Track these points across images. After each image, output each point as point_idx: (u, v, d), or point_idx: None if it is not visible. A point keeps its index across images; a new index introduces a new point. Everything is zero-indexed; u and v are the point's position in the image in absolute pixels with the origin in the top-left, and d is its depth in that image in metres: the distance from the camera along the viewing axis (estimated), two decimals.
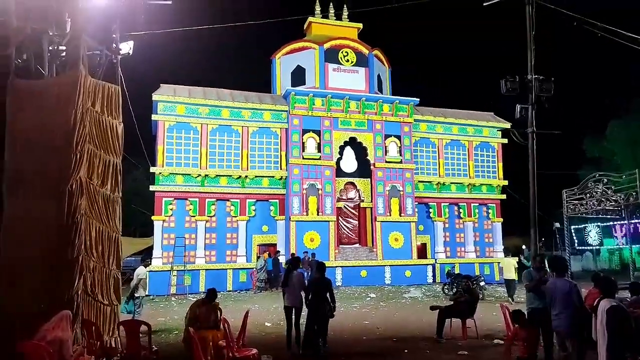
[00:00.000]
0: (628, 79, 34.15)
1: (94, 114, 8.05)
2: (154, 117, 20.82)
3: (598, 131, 31.89)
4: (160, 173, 20.53)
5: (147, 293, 11.08)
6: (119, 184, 8.36)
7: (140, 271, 11.05)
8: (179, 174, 20.82)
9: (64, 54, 8.77)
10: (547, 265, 7.70)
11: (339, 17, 26.31)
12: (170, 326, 11.86)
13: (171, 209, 20.69)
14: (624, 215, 10.92)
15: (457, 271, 20.80)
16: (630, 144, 29.17)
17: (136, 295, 11.16)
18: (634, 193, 6.65)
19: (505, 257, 17.90)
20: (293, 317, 8.83)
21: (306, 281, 9.10)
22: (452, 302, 9.76)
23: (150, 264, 11.69)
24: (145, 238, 25.93)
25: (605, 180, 7.59)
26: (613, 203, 7.45)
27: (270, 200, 22.26)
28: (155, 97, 20.66)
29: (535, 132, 9.53)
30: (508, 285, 16.69)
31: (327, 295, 8.19)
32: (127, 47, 9.02)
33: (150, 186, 20.62)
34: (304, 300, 8.58)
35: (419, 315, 13.41)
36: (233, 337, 7.47)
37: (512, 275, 16.34)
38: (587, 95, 40.73)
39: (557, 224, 27.79)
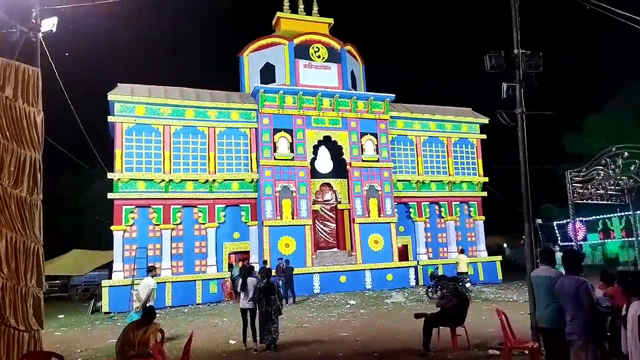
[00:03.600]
0: (606, 72, 33.80)
1: (3, 99, 6.64)
2: (110, 118, 19.26)
3: (577, 126, 31.48)
4: (119, 179, 18.94)
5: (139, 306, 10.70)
6: (39, 185, 6.94)
7: (150, 282, 10.68)
8: (140, 179, 19.27)
9: None
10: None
11: (308, 12, 25.24)
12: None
13: (132, 218, 19.12)
14: (627, 202, 9.86)
15: (440, 272, 19.78)
16: (609, 138, 28.69)
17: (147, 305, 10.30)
18: None
19: (460, 254, 19.44)
20: (248, 317, 9.85)
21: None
22: (439, 308, 8.60)
23: (157, 273, 11.32)
24: (109, 251, 24.22)
25: (626, 153, 6.48)
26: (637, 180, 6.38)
27: (240, 205, 20.86)
28: (111, 97, 19.10)
29: (524, 113, 8.46)
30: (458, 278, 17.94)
31: (275, 296, 9.37)
32: (49, 24, 7.62)
33: (109, 193, 19.00)
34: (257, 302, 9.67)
35: (403, 323, 12.22)
36: None
37: (464, 269, 18.20)
38: (565, 89, 40.54)
39: (539, 220, 27.08)
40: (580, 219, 29.07)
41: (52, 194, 35.51)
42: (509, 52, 8.51)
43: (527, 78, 8.50)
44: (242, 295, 10.01)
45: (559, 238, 29.68)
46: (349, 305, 16.40)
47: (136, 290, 10.80)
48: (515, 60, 8.44)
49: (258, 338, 9.68)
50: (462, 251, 19.98)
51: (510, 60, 8.50)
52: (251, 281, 9.92)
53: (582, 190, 7.02)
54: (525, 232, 8.14)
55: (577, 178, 7.35)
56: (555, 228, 30.35)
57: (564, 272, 5.21)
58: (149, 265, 12.26)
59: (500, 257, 25.70)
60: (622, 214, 27.80)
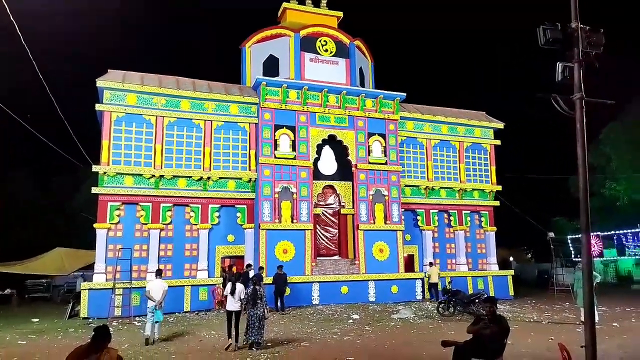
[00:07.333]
0: (626, 76, 32.19)
1: None
2: (98, 107, 17.74)
3: (593, 134, 29.99)
4: (105, 173, 17.39)
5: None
6: None
7: (164, 284, 11.57)
8: (128, 174, 17.72)
9: None
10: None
11: (316, 4, 23.85)
12: None
13: (118, 215, 17.55)
14: None
15: (449, 285, 18.24)
16: (630, 148, 27.17)
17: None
18: None
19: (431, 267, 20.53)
20: (233, 319, 10.55)
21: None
22: (470, 335, 7.05)
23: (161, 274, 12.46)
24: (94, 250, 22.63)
25: None
26: None
27: (236, 206, 19.30)
28: (100, 83, 17.56)
29: (584, 99, 6.94)
30: (430, 288, 20.01)
31: (261, 301, 10.37)
32: None
33: (93, 188, 17.44)
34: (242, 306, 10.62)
35: (417, 346, 10.67)
36: None
37: (436, 279, 19.87)
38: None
39: (552, 234, 25.49)
40: (597, 233, 27.75)
41: (47, 192, 34.07)
42: (565, 25, 7.01)
43: (587, 58, 6.99)
44: (229, 297, 10.68)
45: (573, 253, 28.14)
46: (351, 320, 14.81)
47: (147, 290, 11.35)
48: (574, 36, 6.92)
49: (240, 339, 10.52)
50: (431, 264, 20.83)
51: (566, 35, 6.99)
52: (239, 286, 10.72)
53: None
54: (583, 243, 6.62)
55: None
56: (569, 242, 28.80)
57: None
58: (157, 268, 13.32)
59: (512, 272, 24.15)
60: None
